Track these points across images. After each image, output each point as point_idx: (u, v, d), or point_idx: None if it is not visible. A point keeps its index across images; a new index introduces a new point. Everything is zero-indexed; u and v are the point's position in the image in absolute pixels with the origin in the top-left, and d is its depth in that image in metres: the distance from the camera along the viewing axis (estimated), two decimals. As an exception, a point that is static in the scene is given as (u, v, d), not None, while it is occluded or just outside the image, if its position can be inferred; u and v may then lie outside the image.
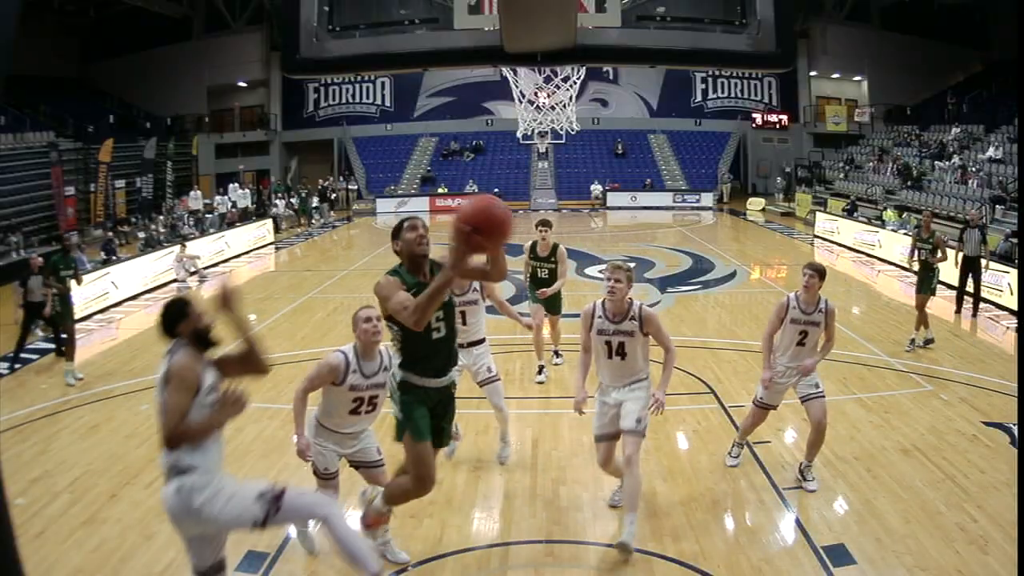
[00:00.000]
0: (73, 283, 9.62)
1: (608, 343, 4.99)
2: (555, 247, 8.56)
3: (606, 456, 5.25)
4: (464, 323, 6.01)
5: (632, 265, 5.10)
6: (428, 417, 4.23)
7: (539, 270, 8.67)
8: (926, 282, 9.71)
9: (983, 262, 11.24)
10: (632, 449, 4.92)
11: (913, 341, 9.73)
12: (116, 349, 10.77)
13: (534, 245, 8.60)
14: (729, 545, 5.06)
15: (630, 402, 5.01)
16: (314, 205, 28.44)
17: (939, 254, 9.77)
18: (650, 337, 5.02)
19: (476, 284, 6.12)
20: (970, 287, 11.47)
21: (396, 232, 4.22)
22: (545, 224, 8.70)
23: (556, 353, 9.17)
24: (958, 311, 11.66)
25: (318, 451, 4.60)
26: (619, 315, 4.96)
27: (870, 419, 7.23)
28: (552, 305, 8.65)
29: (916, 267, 9.89)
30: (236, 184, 28.13)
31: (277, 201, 27.30)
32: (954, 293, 11.82)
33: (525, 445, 6.76)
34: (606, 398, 5.12)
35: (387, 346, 4.53)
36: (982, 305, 11.64)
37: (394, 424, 4.34)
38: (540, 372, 8.60)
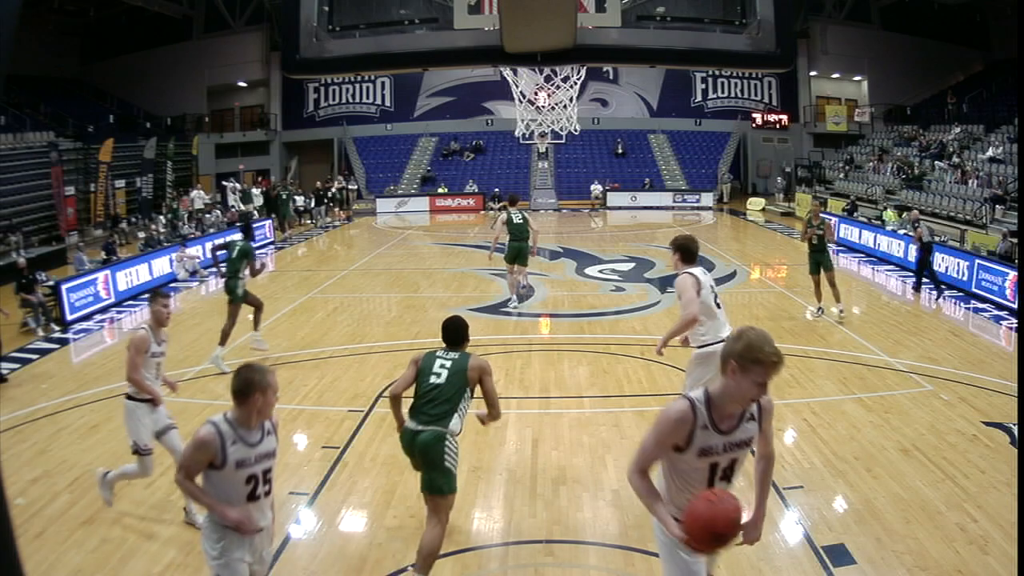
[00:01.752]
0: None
1: (713, 466, 3.13)
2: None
3: None
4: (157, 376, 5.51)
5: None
6: None
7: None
8: (822, 263, 11.01)
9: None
10: None
11: (821, 310, 11.26)
12: (116, 349, 10.75)
13: (510, 218, 11.67)
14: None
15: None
16: (311, 206, 28.39)
17: (827, 235, 11.23)
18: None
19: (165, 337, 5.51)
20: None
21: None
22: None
23: (522, 285, 12.42)
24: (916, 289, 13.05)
25: (227, 565, 3.47)
26: (735, 418, 3.06)
27: (870, 419, 7.23)
28: (523, 259, 11.78)
29: (808, 248, 11.16)
30: (235, 184, 28.11)
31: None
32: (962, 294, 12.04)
33: (525, 445, 6.76)
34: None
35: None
36: (981, 305, 11.78)
37: (447, 477, 4.43)
38: (510, 303, 12.11)
